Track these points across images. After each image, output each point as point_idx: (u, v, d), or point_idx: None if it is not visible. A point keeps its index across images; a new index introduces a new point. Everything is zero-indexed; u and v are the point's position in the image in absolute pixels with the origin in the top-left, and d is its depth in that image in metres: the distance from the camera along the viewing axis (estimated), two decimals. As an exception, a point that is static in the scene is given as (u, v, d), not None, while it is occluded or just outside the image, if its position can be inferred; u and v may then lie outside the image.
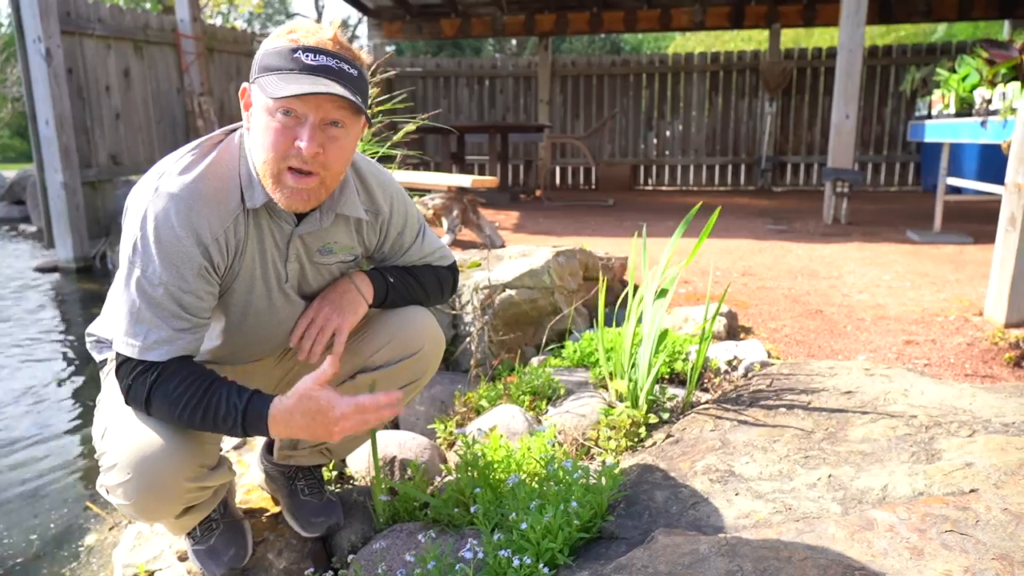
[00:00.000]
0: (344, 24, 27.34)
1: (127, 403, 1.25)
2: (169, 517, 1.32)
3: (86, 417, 2.86)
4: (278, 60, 1.16)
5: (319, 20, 25.72)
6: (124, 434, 1.25)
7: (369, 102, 1.31)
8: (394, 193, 1.46)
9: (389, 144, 3.00)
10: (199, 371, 1.23)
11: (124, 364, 1.22)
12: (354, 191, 1.36)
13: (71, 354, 3.70)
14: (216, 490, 1.41)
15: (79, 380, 3.32)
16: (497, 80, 10.20)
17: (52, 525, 2.08)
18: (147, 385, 1.20)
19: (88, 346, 1.49)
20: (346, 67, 1.18)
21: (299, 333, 1.41)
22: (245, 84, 1.24)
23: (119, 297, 1.22)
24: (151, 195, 1.19)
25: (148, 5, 15.63)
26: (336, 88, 1.14)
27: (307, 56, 1.15)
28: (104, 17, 5.96)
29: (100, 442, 1.30)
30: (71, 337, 4.00)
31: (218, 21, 18.66)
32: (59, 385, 3.26)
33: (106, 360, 1.44)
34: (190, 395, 1.19)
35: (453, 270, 1.61)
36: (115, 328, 1.23)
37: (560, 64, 9.93)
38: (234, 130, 1.31)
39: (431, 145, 9.38)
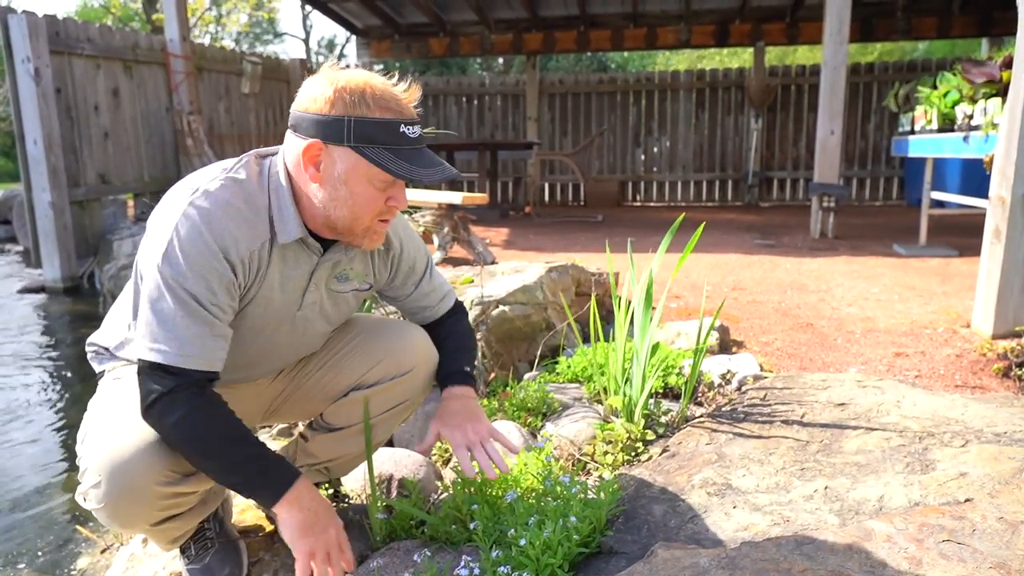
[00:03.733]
0: (331, 44, 27.30)
1: (145, 412, 1.23)
2: (144, 524, 1.30)
3: (74, 439, 2.82)
4: (383, 133, 1.21)
5: (307, 39, 25.68)
6: (99, 439, 1.25)
7: None
8: (402, 228, 1.49)
9: None
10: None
11: (151, 370, 1.20)
12: None
13: (59, 375, 3.66)
14: (203, 502, 1.39)
15: (67, 402, 3.28)
16: (486, 98, 10.28)
17: (40, 552, 2.05)
18: (187, 402, 1.21)
19: (88, 356, 1.48)
20: (420, 127, 1.28)
21: (468, 465, 1.42)
22: (314, 141, 1.21)
23: (143, 306, 1.21)
24: (184, 207, 1.20)
25: (137, 25, 15.64)
26: (448, 168, 1.27)
27: (409, 130, 1.24)
28: (93, 37, 5.97)
29: (80, 447, 1.31)
30: (58, 358, 3.96)
31: (207, 40, 18.69)
32: (46, 407, 3.22)
33: (104, 371, 1.43)
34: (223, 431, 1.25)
35: (463, 309, 1.67)
36: (139, 336, 1.21)
37: (548, 82, 10.02)
38: (264, 156, 1.32)
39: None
